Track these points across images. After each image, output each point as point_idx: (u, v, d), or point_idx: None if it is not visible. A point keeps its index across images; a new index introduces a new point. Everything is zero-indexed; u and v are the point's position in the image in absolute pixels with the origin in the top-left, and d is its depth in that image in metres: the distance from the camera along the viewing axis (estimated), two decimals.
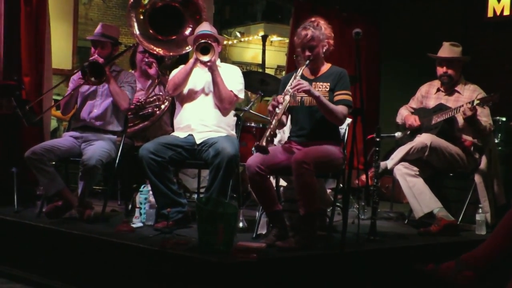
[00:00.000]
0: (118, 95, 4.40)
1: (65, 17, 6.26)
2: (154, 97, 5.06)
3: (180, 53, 5.07)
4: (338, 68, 3.91)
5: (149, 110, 5.01)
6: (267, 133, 3.57)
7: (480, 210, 4.37)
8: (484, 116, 4.46)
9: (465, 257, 3.38)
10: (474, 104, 4.31)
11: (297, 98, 3.84)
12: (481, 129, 4.42)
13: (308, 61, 3.81)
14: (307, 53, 3.81)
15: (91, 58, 4.43)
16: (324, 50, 3.85)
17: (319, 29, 3.80)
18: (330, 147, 3.80)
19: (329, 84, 3.84)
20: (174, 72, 4.42)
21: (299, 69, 3.83)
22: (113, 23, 8.19)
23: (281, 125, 3.86)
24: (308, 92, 3.70)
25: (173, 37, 4.97)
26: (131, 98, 4.54)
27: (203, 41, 4.21)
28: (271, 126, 3.59)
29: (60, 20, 6.12)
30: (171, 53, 5.02)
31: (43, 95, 5.03)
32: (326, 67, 3.93)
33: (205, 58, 4.18)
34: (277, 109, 3.65)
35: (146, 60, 5.10)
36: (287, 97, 3.69)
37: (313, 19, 3.86)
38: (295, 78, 3.77)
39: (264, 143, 3.52)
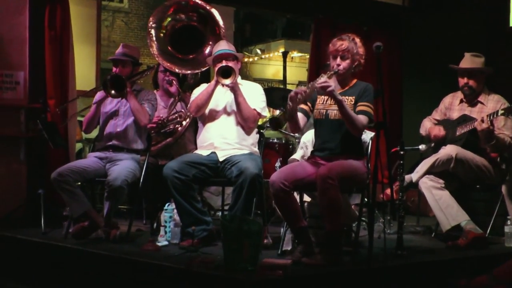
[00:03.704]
0: (138, 111, 4.46)
1: (88, 39, 6.35)
2: (176, 115, 5.10)
3: (200, 70, 5.10)
4: (364, 83, 3.92)
5: (171, 127, 5.05)
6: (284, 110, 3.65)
7: (508, 222, 4.30)
8: (507, 129, 4.40)
9: (497, 272, 3.32)
10: (499, 114, 4.26)
11: (322, 111, 3.85)
12: (500, 144, 4.33)
13: (337, 70, 3.81)
14: (338, 62, 3.82)
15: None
16: (354, 65, 3.86)
17: (355, 43, 3.84)
18: (354, 161, 3.78)
19: (354, 97, 3.84)
20: (196, 92, 4.44)
21: (328, 72, 3.78)
22: (135, 45, 8.30)
23: (297, 128, 3.85)
24: (331, 93, 3.66)
25: (192, 56, 5.02)
26: (151, 114, 4.59)
27: (223, 65, 4.23)
28: (289, 108, 3.63)
29: (83, 43, 6.21)
30: (188, 71, 5.06)
31: (68, 120, 5.16)
32: (352, 82, 3.93)
33: (227, 81, 4.21)
34: (299, 95, 3.64)
35: (167, 78, 5.16)
36: (312, 88, 3.66)
37: (349, 34, 3.90)
38: (322, 77, 3.71)
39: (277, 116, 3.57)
